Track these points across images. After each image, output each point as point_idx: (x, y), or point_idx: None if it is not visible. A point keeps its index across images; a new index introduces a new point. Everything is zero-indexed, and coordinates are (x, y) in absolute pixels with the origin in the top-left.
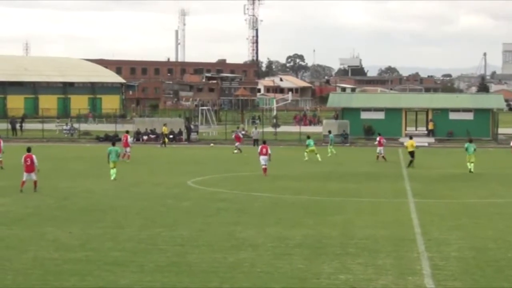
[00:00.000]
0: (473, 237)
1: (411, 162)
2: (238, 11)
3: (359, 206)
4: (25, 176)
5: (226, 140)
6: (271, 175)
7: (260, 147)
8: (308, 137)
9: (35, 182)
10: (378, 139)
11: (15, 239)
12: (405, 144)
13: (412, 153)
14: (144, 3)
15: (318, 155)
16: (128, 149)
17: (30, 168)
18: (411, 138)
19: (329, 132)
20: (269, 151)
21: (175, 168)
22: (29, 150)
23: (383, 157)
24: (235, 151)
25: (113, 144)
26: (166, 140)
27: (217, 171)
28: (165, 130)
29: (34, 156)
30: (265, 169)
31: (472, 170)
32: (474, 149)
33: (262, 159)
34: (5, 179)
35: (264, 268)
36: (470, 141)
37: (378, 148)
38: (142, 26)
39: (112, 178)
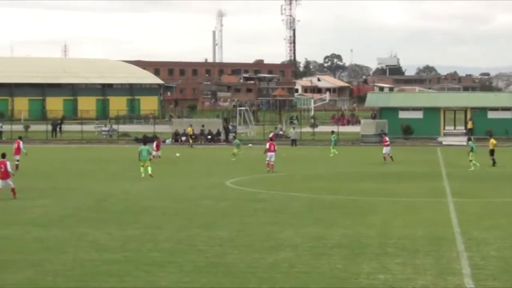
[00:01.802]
0: None
1: (493, 161)
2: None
3: (397, 206)
4: (0, 183)
5: (264, 141)
6: (310, 175)
7: (268, 144)
8: (333, 132)
9: (12, 189)
10: (383, 139)
11: (54, 240)
12: (490, 142)
13: (492, 152)
14: (180, 4)
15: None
16: (155, 153)
17: (4, 175)
18: (491, 136)
19: (332, 132)
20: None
21: (213, 168)
22: (3, 156)
23: (390, 157)
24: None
25: (145, 144)
26: (191, 140)
27: (255, 171)
28: (190, 131)
29: (8, 163)
30: (272, 165)
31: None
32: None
33: (270, 155)
34: (44, 180)
35: (302, 268)
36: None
37: (385, 149)
38: (179, 27)
39: (142, 176)
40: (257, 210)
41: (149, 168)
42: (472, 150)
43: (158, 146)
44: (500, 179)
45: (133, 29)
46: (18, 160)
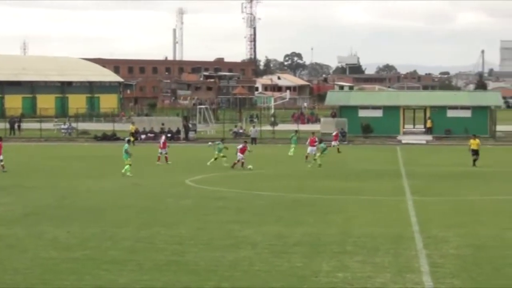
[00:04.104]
0: (472, 235)
1: (475, 160)
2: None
3: (358, 204)
4: None
5: (224, 139)
6: (271, 174)
7: (242, 146)
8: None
9: None
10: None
11: (14, 239)
12: (471, 142)
13: (476, 152)
14: (142, 2)
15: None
16: (162, 151)
17: None
18: (475, 137)
19: (296, 132)
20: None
21: (174, 167)
22: None
23: (314, 158)
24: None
25: (128, 142)
26: (132, 139)
27: (216, 169)
28: (132, 128)
29: None
30: (242, 163)
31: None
32: None
33: (240, 156)
34: (4, 178)
35: (262, 267)
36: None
37: (309, 148)
38: (141, 25)
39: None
40: (218, 209)
41: (127, 167)
42: None
43: (164, 144)
44: (460, 177)
45: (94, 26)
46: None
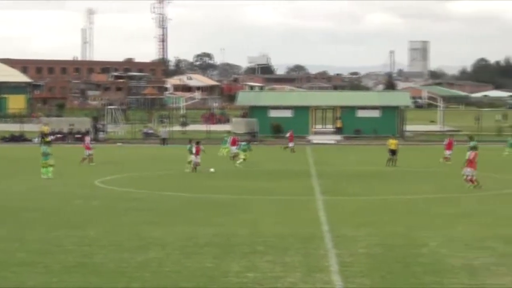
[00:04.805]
0: (381, 234)
1: (391, 160)
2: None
3: (269, 204)
4: None
5: (133, 140)
6: (181, 175)
7: (195, 147)
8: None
9: None
10: (230, 139)
11: None
12: (389, 142)
13: (393, 152)
14: (51, 2)
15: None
16: (87, 152)
17: None
18: (394, 137)
19: (229, 132)
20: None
21: (82, 168)
22: None
23: (232, 157)
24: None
25: (45, 144)
26: (46, 139)
27: (127, 170)
28: (46, 129)
29: None
30: (195, 166)
31: None
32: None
33: (195, 158)
34: None
35: (172, 267)
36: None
37: (232, 148)
38: (49, 25)
39: (45, 177)
40: (128, 210)
41: (50, 169)
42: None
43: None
44: (370, 177)
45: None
46: None
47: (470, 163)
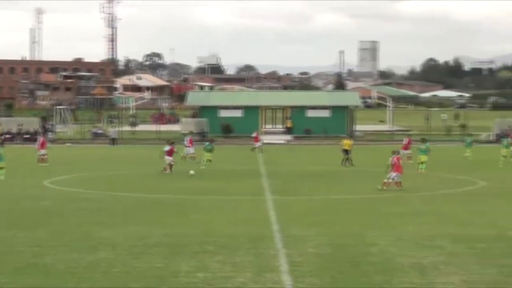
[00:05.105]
0: (331, 234)
1: (346, 160)
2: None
3: (220, 204)
4: None
5: (83, 140)
6: (132, 175)
7: (169, 148)
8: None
9: None
10: (188, 139)
11: None
12: (343, 142)
13: (347, 151)
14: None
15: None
16: (41, 152)
17: None
18: (349, 137)
19: (190, 131)
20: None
21: (31, 168)
22: None
23: (187, 157)
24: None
25: None
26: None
27: (76, 171)
28: None
29: None
30: (171, 166)
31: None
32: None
33: (169, 159)
34: None
35: (122, 268)
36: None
37: (187, 149)
38: None
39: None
40: (78, 210)
41: (1, 171)
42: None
43: (43, 145)
44: (319, 177)
45: None
46: None
47: (396, 167)
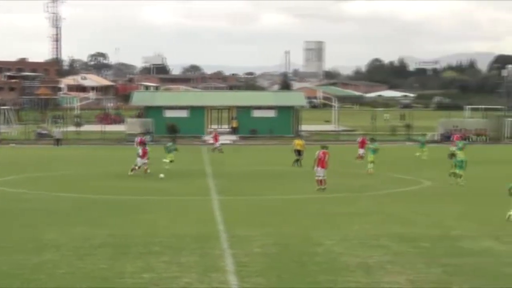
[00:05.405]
0: (277, 233)
1: (297, 160)
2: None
3: (165, 205)
4: None
5: (27, 140)
6: (77, 175)
7: (141, 149)
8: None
9: None
10: (138, 139)
11: None
12: (294, 142)
13: (299, 152)
14: None
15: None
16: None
17: None
18: (299, 137)
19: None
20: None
21: None
22: None
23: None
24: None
25: None
26: None
27: (21, 171)
28: None
29: None
30: (145, 169)
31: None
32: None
33: (141, 161)
34: None
35: (67, 269)
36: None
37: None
38: None
39: None
40: (22, 211)
41: None
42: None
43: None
44: (265, 177)
45: None
46: None
47: (321, 162)
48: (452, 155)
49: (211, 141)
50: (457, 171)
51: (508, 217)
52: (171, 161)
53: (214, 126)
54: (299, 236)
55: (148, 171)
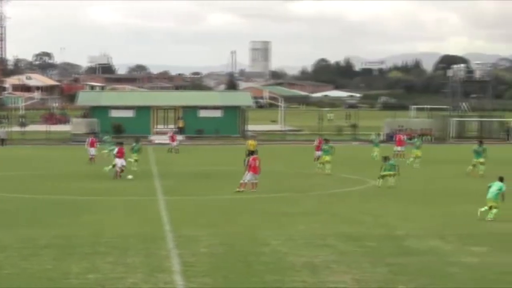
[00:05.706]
0: (224, 233)
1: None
2: None
3: (111, 205)
4: None
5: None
6: (21, 176)
7: (118, 149)
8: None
9: None
10: (89, 140)
11: None
12: (248, 143)
13: (252, 152)
14: None
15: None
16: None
17: None
18: (253, 138)
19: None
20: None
21: None
22: None
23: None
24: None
25: None
26: None
27: None
28: None
29: None
30: (122, 171)
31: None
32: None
33: (120, 161)
34: None
35: (12, 270)
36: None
37: (90, 149)
38: None
39: None
40: None
41: None
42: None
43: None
44: (212, 177)
45: None
46: None
47: (253, 168)
48: (386, 158)
49: (168, 141)
50: (386, 173)
51: (481, 215)
52: (135, 161)
53: (160, 126)
54: (246, 236)
55: (118, 177)
